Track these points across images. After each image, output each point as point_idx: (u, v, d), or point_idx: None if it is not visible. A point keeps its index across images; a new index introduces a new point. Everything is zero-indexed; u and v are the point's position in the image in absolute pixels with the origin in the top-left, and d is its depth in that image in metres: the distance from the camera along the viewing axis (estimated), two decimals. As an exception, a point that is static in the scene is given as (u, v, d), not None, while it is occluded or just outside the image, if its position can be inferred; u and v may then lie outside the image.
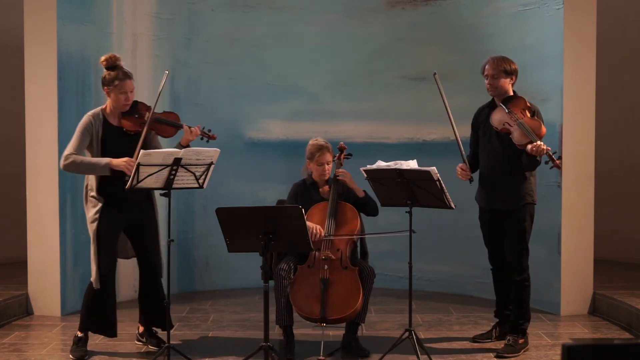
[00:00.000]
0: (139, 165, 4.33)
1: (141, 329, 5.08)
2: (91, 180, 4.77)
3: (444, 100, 4.78)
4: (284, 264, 4.78)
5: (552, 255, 5.92)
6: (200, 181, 4.59)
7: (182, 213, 6.78)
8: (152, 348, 4.97)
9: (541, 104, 5.75)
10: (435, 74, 4.81)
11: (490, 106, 4.97)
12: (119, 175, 4.61)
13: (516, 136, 4.69)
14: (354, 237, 4.84)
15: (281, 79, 6.96)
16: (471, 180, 4.91)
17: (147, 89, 6.25)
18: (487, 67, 4.89)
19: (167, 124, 4.85)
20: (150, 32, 6.56)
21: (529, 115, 4.76)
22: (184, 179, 4.51)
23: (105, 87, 4.78)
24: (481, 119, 5.02)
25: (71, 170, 4.79)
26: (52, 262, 5.83)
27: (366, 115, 6.93)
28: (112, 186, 4.70)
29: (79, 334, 4.87)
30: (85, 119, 4.79)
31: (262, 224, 4.10)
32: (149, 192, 4.84)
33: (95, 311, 4.81)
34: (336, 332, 5.12)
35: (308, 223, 4.50)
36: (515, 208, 4.85)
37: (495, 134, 4.87)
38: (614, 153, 7.50)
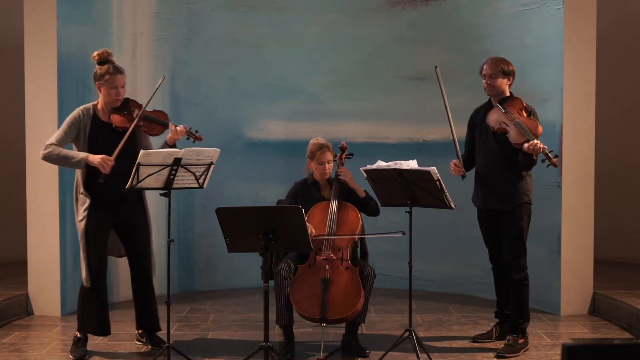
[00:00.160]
0: (139, 165, 4.33)
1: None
2: (79, 178, 4.77)
3: (442, 94, 4.83)
4: (284, 264, 4.78)
5: (552, 255, 5.92)
6: (200, 181, 4.59)
7: (182, 213, 6.78)
8: (150, 348, 4.96)
9: (541, 104, 5.76)
10: (436, 67, 4.86)
11: (487, 107, 5.00)
12: (99, 173, 4.60)
13: (513, 135, 4.70)
14: (347, 237, 4.82)
15: (281, 79, 6.96)
16: (463, 176, 4.95)
17: (146, 89, 6.24)
18: (485, 67, 4.92)
19: (156, 122, 4.80)
20: (150, 32, 6.56)
21: (525, 115, 4.78)
22: (184, 179, 4.51)
23: (97, 82, 4.77)
24: (478, 120, 5.04)
25: (48, 161, 4.78)
26: (52, 262, 5.83)
27: (366, 115, 6.93)
28: (93, 184, 4.68)
29: (78, 334, 4.87)
30: (74, 112, 4.80)
31: (262, 224, 4.10)
32: (139, 192, 4.82)
33: (88, 310, 4.81)
34: (336, 332, 5.12)
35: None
36: (511, 207, 4.86)
37: (492, 134, 4.89)
38: (614, 153, 7.49)
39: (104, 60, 4.78)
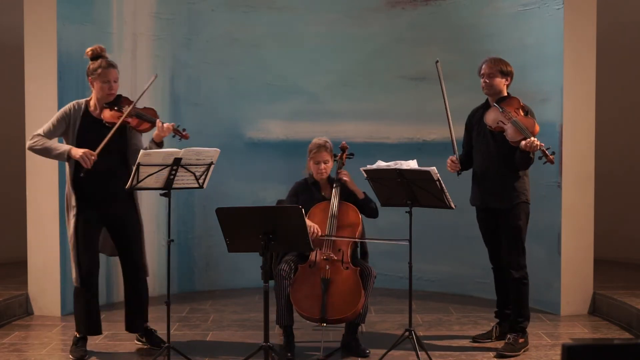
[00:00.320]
0: (139, 165, 4.33)
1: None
2: (68, 174, 4.76)
3: (442, 90, 4.85)
4: (285, 264, 4.78)
5: (552, 255, 5.92)
6: (200, 181, 4.59)
7: (182, 213, 6.77)
8: (150, 347, 4.96)
9: (541, 104, 5.77)
10: (437, 61, 4.88)
11: (484, 107, 5.02)
12: (82, 173, 4.59)
13: (510, 133, 4.72)
14: (349, 239, 4.81)
15: (281, 79, 6.96)
16: (459, 173, 4.98)
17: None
18: (484, 66, 4.95)
19: (144, 119, 4.78)
20: (150, 32, 6.56)
21: (522, 114, 4.80)
22: (184, 179, 4.51)
23: (90, 77, 4.78)
24: (475, 120, 5.06)
25: (33, 151, 4.79)
26: (52, 262, 5.83)
27: (366, 115, 6.93)
28: (84, 181, 4.67)
29: (78, 335, 4.87)
30: (66, 106, 4.81)
31: (262, 224, 4.10)
32: (130, 191, 4.81)
33: (79, 310, 4.81)
34: (336, 332, 5.12)
35: (307, 222, 4.49)
36: (509, 206, 4.87)
37: (490, 134, 4.90)
38: (614, 153, 7.49)
39: (97, 55, 4.79)
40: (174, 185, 4.50)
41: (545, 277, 5.90)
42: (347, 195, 4.98)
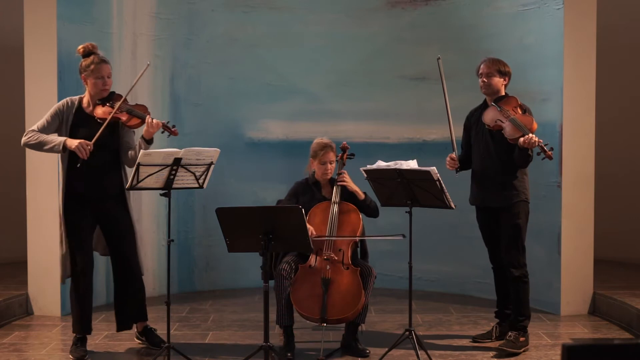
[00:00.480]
0: (139, 165, 4.33)
1: (139, 327, 5.06)
2: (61, 170, 4.76)
3: (443, 86, 4.86)
4: (285, 263, 4.78)
5: (552, 255, 5.92)
6: (200, 181, 4.59)
7: (182, 213, 6.77)
8: (150, 347, 4.96)
9: (541, 104, 5.77)
10: (439, 58, 4.90)
11: (482, 107, 5.03)
12: (77, 158, 4.59)
13: (508, 131, 4.72)
14: (348, 238, 4.82)
15: (281, 79, 6.95)
16: (457, 170, 4.99)
17: (146, 90, 6.26)
18: (482, 66, 4.97)
19: (135, 115, 4.77)
20: (150, 32, 6.56)
21: (520, 112, 4.81)
22: (184, 179, 4.51)
23: (83, 74, 4.78)
24: (473, 120, 5.08)
25: (27, 146, 4.80)
26: (52, 262, 5.82)
27: (366, 115, 6.92)
28: (77, 177, 4.68)
29: (77, 335, 4.87)
30: (59, 102, 4.83)
31: (262, 224, 4.10)
32: (121, 188, 4.79)
33: (74, 309, 4.81)
34: (336, 332, 5.12)
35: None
36: (508, 205, 4.87)
37: (488, 133, 4.91)
38: (614, 153, 7.49)
39: (89, 52, 4.80)
40: (174, 185, 4.50)
41: (545, 277, 5.89)
42: (347, 195, 4.98)
